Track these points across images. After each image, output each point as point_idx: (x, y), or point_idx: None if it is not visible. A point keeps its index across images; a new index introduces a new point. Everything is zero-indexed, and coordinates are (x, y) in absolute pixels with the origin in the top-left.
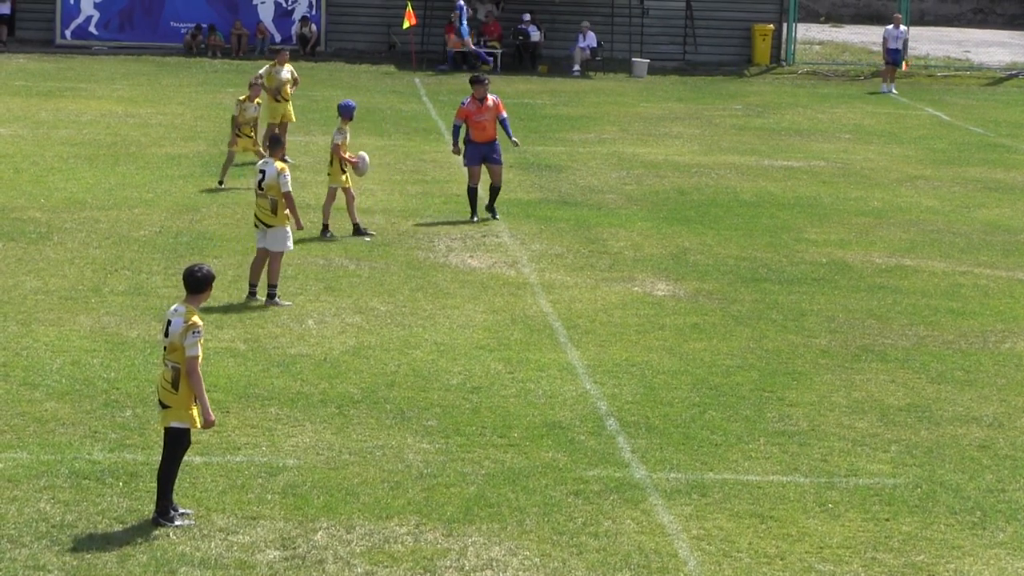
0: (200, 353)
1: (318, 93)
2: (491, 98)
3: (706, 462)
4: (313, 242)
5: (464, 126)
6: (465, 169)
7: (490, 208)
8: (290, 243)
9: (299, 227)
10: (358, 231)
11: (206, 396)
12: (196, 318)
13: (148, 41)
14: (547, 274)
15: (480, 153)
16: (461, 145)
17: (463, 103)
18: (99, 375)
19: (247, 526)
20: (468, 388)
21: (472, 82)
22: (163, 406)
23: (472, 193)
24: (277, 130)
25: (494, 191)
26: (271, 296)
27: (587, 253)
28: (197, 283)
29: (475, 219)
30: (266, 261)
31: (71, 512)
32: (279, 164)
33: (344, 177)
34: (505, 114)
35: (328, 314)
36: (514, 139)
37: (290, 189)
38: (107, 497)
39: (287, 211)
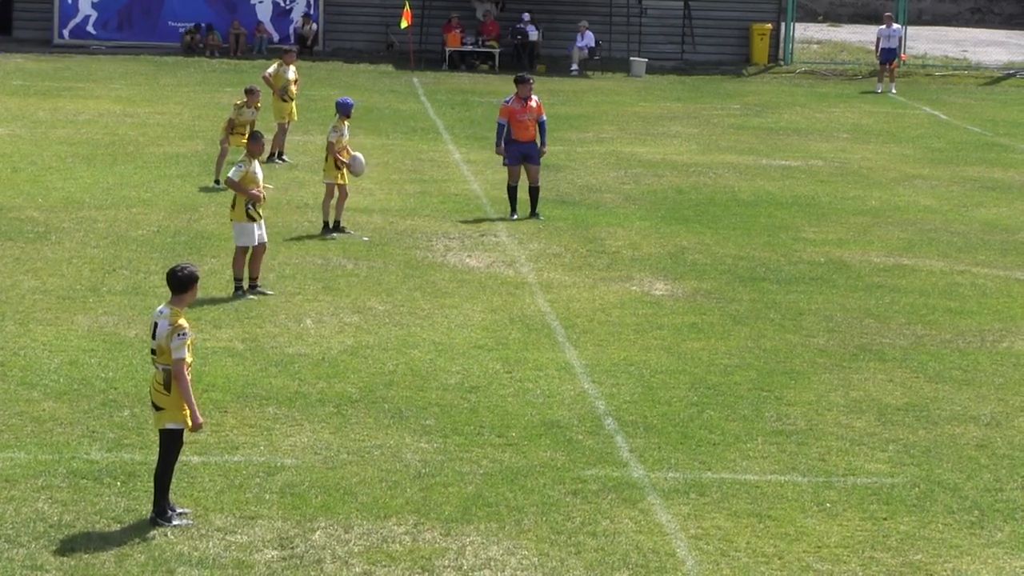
0: (187, 355)
1: (316, 92)
2: (534, 98)
3: (704, 461)
4: (311, 241)
5: (507, 125)
6: (505, 168)
7: (533, 212)
8: (244, 238)
9: (253, 197)
10: (338, 228)
11: (193, 399)
12: (182, 320)
13: (146, 41)
14: (545, 273)
15: (521, 152)
16: (503, 145)
17: (506, 101)
18: (97, 375)
19: (245, 526)
20: (466, 387)
21: (517, 81)
22: (156, 408)
23: (512, 192)
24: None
25: (534, 192)
26: (235, 288)
27: (585, 252)
28: (180, 283)
29: (515, 216)
30: (261, 254)
31: (69, 512)
32: (244, 158)
33: (339, 174)
34: (545, 117)
35: (326, 313)
36: (545, 146)
37: (231, 176)
38: (105, 497)
39: (247, 204)
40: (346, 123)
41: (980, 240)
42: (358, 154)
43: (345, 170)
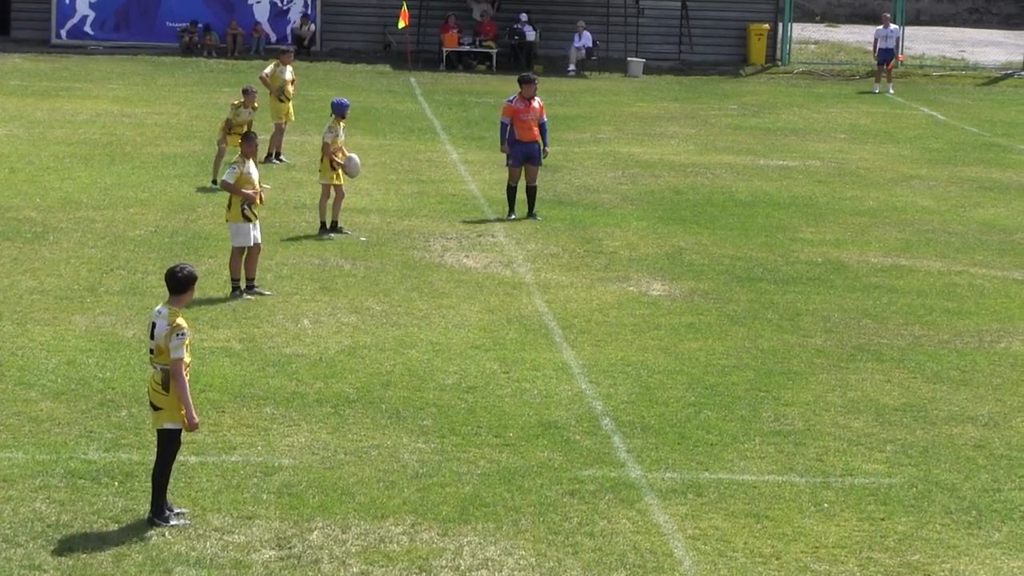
0: (185, 355)
1: (314, 93)
2: (537, 99)
3: (702, 462)
4: (308, 241)
5: (510, 125)
6: (505, 168)
7: (531, 212)
8: (240, 239)
9: (248, 198)
10: (335, 228)
11: (190, 399)
12: (180, 320)
13: (144, 41)
14: (542, 274)
15: (524, 153)
16: (507, 144)
17: (510, 101)
18: (95, 375)
19: (243, 526)
20: (463, 388)
21: (522, 81)
22: (154, 408)
23: (511, 192)
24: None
25: (531, 192)
26: (232, 289)
27: (583, 253)
28: (179, 283)
29: (512, 217)
30: (256, 255)
31: (66, 512)
32: (238, 159)
33: (334, 174)
34: (546, 118)
35: (324, 314)
36: (547, 147)
37: (225, 179)
38: (102, 497)
39: (243, 204)
40: (341, 124)
41: (978, 240)
42: (353, 155)
43: (341, 171)
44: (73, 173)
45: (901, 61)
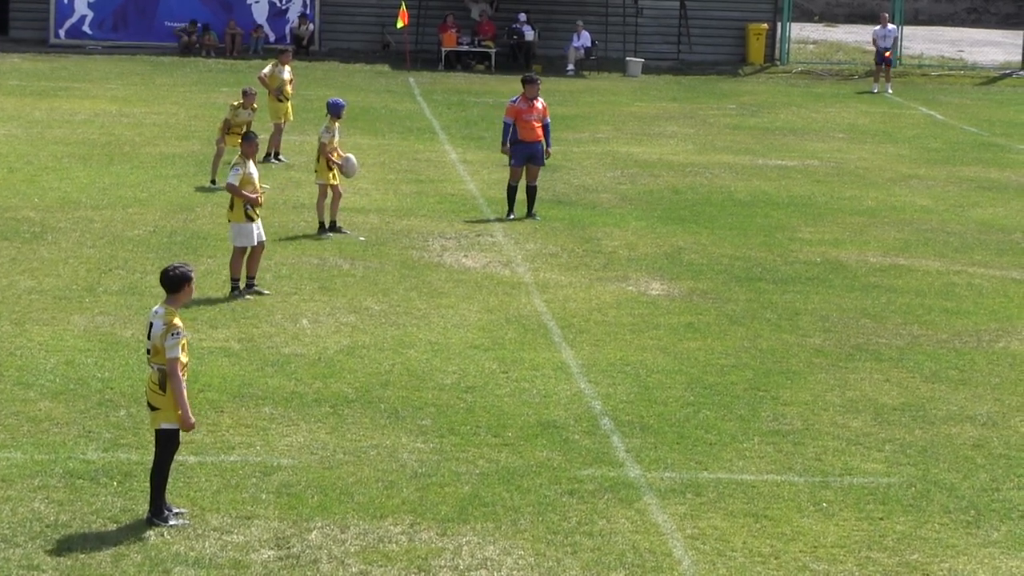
0: (181, 355)
1: (312, 92)
2: (540, 100)
3: (700, 461)
4: (307, 241)
5: (512, 125)
6: (506, 168)
7: (530, 212)
8: (242, 239)
9: (252, 202)
10: (334, 228)
11: (186, 399)
12: (176, 319)
13: (142, 40)
14: (541, 273)
15: (526, 153)
16: (508, 145)
17: (512, 101)
18: (93, 375)
19: (241, 525)
20: (462, 387)
21: (524, 81)
22: (152, 408)
23: (512, 192)
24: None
25: (531, 191)
26: (232, 289)
27: (581, 252)
28: (172, 283)
29: (511, 216)
30: (260, 253)
31: (65, 512)
32: (239, 159)
33: (331, 174)
34: (549, 119)
35: (322, 314)
36: (549, 148)
37: (230, 181)
38: (101, 497)
39: (245, 204)
40: (337, 124)
41: (976, 240)
42: (351, 156)
43: (337, 170)
44: (71, 173)
45: (888, 58)
